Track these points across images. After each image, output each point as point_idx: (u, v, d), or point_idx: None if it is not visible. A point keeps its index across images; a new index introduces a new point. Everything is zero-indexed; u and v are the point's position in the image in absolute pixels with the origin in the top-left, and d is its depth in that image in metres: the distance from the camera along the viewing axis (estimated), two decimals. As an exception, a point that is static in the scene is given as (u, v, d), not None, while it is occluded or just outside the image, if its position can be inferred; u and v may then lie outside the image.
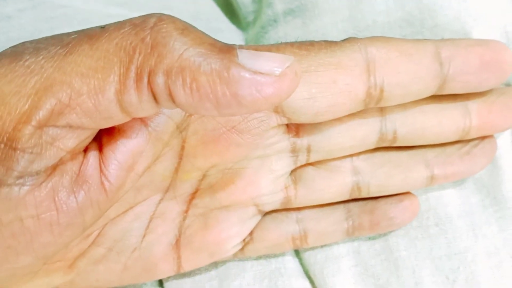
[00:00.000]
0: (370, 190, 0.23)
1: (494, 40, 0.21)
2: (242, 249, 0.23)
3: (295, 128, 0.22)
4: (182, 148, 0.20)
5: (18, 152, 0.16)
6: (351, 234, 0.23)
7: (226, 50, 0.16)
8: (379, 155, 0.23)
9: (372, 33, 0.24)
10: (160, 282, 0.25)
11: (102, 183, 0.18)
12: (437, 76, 0.21)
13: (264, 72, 0.15)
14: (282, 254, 0.25)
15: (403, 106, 0.22)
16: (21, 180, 0.16)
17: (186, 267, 0.23)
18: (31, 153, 0.16)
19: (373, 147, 0.23)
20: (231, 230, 0.22)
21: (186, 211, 0.22)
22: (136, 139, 0.18)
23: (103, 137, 0.18)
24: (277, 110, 0.20)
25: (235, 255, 0.23)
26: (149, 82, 0.16)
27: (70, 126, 0.16)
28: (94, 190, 0.18)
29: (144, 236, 0.21)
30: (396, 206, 0.23)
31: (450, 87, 0.21)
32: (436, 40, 0.21)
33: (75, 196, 0.17)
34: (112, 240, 0.21)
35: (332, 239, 0.24)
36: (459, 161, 0.23)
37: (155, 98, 0.16)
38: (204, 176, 0.21)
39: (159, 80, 0.15)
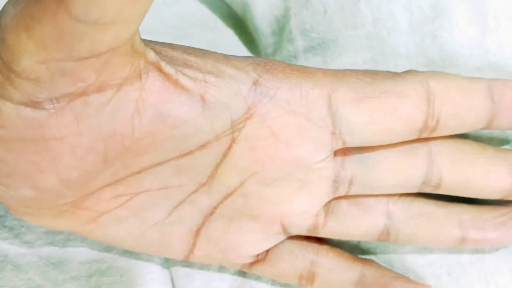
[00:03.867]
0: (398, 238, 0.23)
1: None
2: (251, 264, 0.23)
3: (341, 158, 0.22)
4: (229, 147, 0.21)
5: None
6: None
7: None
8: (416, 206, 0.23)
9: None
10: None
11: (132, 120, 0.19)
12: (489, 111, 0.22)
13: None
14: None
15: (453, 155, 0.22)
16: (44, 103, 0.17)
17: (197, 256, 0.23)
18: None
19: (416, 191, 0.23)
20: (252, 238, 0.23)
21: (216, 208, 0.22)
22: (187, 106, 0.19)
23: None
24: (335, 131, 0.21)
25: (242, 266, 0.24)
26: None
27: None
28: (120, 124, 0.18)
29: (170, 214, 0.22)
30: None
31: (497, 123, 0.22)
32: (488, 79, 0.22)
33: (99, 124, 0.18)
34: (140, 208, 0.21)
35: None
36: (493, 230, 0.23)
37: None
38: (241, 184, 0.21)
39: None
